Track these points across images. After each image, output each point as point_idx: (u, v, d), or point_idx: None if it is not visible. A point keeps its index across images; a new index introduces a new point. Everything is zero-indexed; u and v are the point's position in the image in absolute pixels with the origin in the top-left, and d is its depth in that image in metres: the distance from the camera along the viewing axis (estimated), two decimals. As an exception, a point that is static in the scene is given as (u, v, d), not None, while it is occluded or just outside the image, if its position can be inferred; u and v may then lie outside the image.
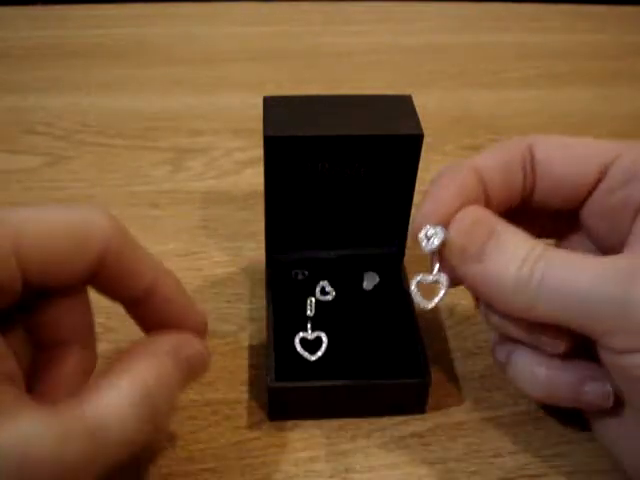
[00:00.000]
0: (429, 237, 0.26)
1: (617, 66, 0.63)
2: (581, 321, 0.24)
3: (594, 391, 0.26)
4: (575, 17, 0.73)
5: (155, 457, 0.29)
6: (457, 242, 0.26)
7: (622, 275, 0.23)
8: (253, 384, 0.32)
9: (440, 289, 0.27)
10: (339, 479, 0.29)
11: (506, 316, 0.26)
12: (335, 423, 0.31)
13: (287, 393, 0.30)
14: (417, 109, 0.33)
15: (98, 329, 0.26)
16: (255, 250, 0.40)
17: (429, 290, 0.27)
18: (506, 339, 0.28)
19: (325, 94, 0.35)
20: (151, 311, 0.26)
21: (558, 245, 0.31)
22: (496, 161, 0.28)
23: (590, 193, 0.28)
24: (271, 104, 0.33)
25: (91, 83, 0.57)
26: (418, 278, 0.27)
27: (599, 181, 0.27)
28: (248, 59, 0.62)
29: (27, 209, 0.23)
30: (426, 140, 0.32)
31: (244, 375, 0.33)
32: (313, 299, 0.34)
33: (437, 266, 0.27)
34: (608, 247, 0.28)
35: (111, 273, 0.24)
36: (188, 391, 0.32)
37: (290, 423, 0.30)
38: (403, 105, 0.33)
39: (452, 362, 0.34)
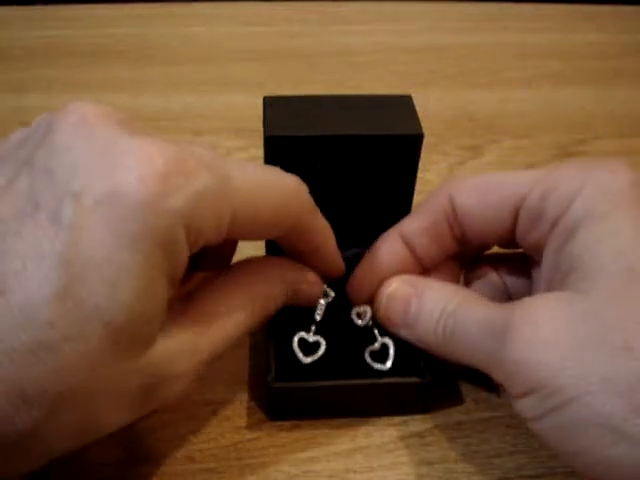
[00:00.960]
0: (360, 314, 0.31)
1: (617, 66, 0.63)
2: (484, 370, 0.26)
3: None
4: (575, 17, 0.73)
5: (155, 457, 0.29)
6: (381, 315, 0.30)
7: (496, 328, 0.24)
8: (253, 384, 0.32)
9: (389, 350, 0.31)
10: (339, 479, 0.29)
11: None
12: (335, 423, 0.31)
13: (287, 393, 0.30)
14: (417, 109, 0.33)
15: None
16: (255, 250, 0.40)
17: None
18: None
19: (325, 94, 0.35)
20: (304, 259, 0.29)
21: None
22: (421, 224, 0.30)
23: (513, 235, 0.29)
24: (271, 104, 0.33)
25: (91, 83, 0.57)
26: (369, 349, 0.31)
27: (515, 225, 0.28)
28: (248, 59, 0.62)
29: (245, 169, 0.24)
30: (426, 140, 0.32)
31: (244, 375, 0.33)
32: (322, 302, 0.33)
33: (378, 336, 0.31)
34: None
35: (290, 237, 0.28)
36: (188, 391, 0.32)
37: (290, 423, 0.31)
38: (403, 105, 0.33)
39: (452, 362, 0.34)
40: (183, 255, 0.22)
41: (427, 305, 0.28)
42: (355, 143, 0.32)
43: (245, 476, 0.28)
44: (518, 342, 0.23)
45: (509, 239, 0.29)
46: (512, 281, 0.31)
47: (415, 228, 0.30)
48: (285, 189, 0.26)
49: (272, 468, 0.29)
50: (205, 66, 0.61)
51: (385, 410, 0.31)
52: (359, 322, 0.31)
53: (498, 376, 0.25)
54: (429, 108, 0.54)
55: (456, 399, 0.32)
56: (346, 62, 0.62)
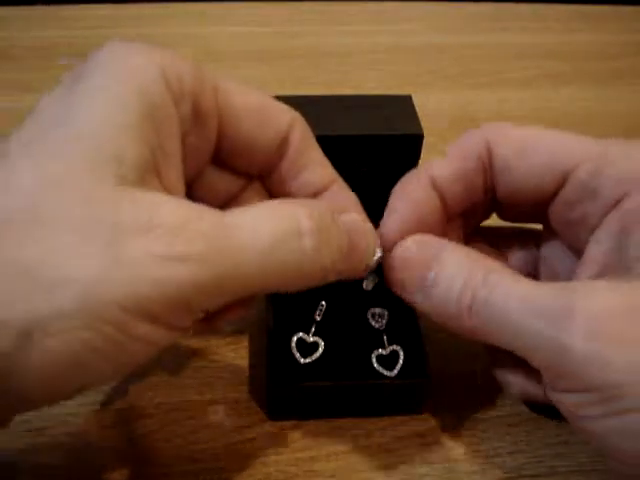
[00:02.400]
0: (374, 316, 0.31)
1: (617, 66, 0.63)
2: (519, 352, 0.23)
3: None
4: (575, 17, 0.72)
5: (156, 457, 0.29)
6: (396, 277, 0.26)
7: (551, 312, 0.22)
8: (253, 384, 0.32)
9: (399, 357, 0.31)
10: (339, 479, 0.29)
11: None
12: (335, 423, 0.31)
13: (287, 393, 0.30)
14: (417, 109, 0.33)
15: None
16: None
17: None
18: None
19: (325, 94, 0.35)
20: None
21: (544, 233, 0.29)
22: (454, 170, 0.27)
23: (552, 200, 0.27)
24: (271, 104, 0.33)
25: (91, 83, 0.57)
26: (376, 353, 0.31)
27: (558, 191, 0.26)
28: (248, 59, 0.62)
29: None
30: (426, 140, 0.32)
31: (244, 375, 0.33)
32: (324, 303, 0.33)
33: (386, 342, 0.31)
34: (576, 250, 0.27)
35: (291, 165, 0.26)
36: (188, 391, 0.32)
37: (290, 423, 0.31)
38: (403, 105, 0.33)
39: (452, 362, 0.34)
40: (162, 95, 0.22)
41: (448, 270, 0.24)
42: (355, 143, 0.32)
43: (245, 476, 0.28)
44: (587, 334, 0.21)
45: (542, 205, 0.27)
46: (514, 257, 0.30)
47: (449, 174, 0.27)
48: (267, 103, 0.25)
49: (272, 468, 0.29)
50: (205, 66, 0.61)
51: (385, 410, 0.31)
52: (374, 324, 0.31)
53: (542, 362, 0.23)
54: (429, 108, 0.54)
55: (456, 399, 0.32)
56: (346, 62, 0.62)
